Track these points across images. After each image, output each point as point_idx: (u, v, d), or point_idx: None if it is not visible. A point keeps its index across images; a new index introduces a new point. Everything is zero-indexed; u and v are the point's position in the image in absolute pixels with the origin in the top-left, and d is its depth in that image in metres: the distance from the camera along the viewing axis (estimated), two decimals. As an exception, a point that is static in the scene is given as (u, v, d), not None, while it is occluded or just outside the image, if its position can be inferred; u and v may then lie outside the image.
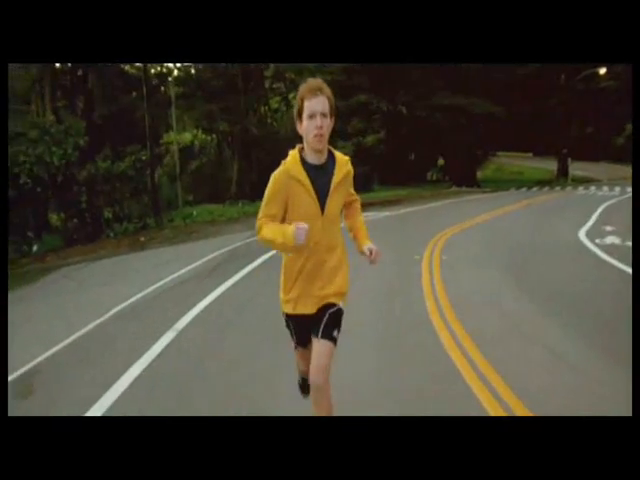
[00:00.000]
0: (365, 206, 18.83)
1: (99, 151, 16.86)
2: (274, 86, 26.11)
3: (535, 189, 27.21)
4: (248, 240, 11.44)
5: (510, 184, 30.49)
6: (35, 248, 13.58)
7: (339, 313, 2.48)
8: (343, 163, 2.45)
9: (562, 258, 8.62)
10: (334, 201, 2.41)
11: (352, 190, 2.63)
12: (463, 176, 31.25)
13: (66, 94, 24.46)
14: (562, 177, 33.69)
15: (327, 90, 2.34)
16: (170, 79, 23.52)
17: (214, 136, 25.50)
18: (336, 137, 27.07)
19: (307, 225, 2.26)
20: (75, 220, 15.63)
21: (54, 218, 16.20)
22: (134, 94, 22.54)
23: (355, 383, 3.76)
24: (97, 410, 3.56)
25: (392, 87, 28.83)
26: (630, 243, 9.58)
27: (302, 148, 2.44)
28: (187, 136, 26.26)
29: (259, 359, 4.44)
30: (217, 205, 20.49)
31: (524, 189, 27.45)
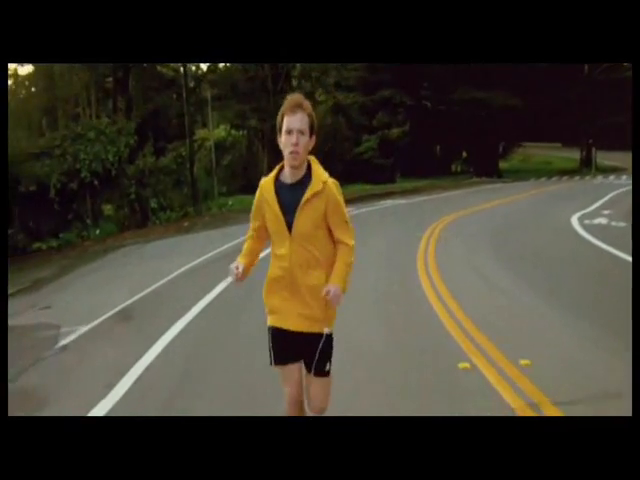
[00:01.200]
0: (385, 195, 20.41)
1: (141, 148, 18.78)
2: (301, 84, 27.64)
3: (555, 178, 28.07)
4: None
5: (533, 174, 31.26)
6: (98, 232, 15.58)
7: (328, 344, 2.40)
8: (319, 180, 2.34)
9: (544, 232, 10.07)
10: (303, 221, 2.31)
11: (344, 228, 2.38)
12: (485, 167, 32.23)
13: (107, 95, 26.56)
14: (586, 167, 34.25)
15: (308, 107, 2.34)
16: (200, 79, 25.28)
17: (245, 132, 27.28)
18: (361, 131, 28.48)
19: (241, 268, 2.35)
20: (125, 209, 17.61)
21: (107, 208, 18.21)
22: (175, 96, 24.41)
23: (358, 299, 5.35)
24: (182, 323, 5.28)
25: (415, 82, 29.99)
26: (615, 223, 10.84)
27: (283, 165, 2.40)
28: (220, 132, 28.14)
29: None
30: (249, 195, 22.22)
31: (544, 179, 28.32)
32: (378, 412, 3.06)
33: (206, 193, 21.68)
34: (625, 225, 10.48)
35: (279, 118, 2.34)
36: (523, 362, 3.76)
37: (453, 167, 38.33)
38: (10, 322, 6.38)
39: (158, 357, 4.41)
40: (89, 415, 3.32)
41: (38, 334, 5.66)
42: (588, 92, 34.24)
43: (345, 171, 26.24)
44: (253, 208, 2.45)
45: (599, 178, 26.62)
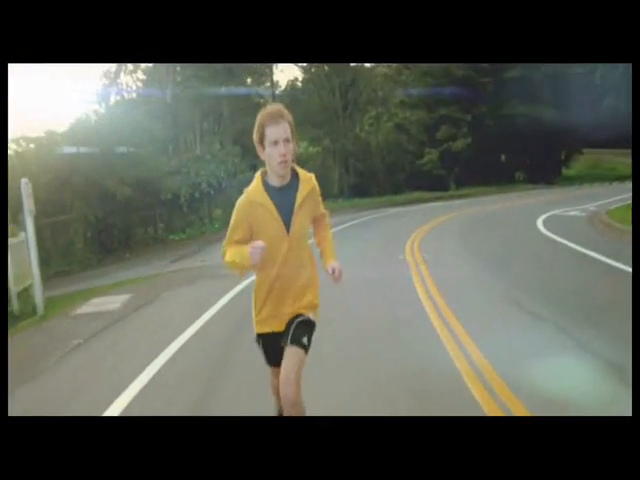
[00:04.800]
0: (432, 199, 26.06)
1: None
2: (368, 109, 32.89)
3: (597, 184, 30.81)
4: (344, 225, 18.38)
5: (591, 181, 33.15)
6: (217, 226, 21.73)
7: (309, 322, 2.52)
8: (306, 180, 2.48)
9: (513, 222, 14.37)
10: (299, 220, 2.44)
11: (321, 206, 2.62)
12: (546, 174, 35.03)
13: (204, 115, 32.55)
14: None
15: (287, 115, 2.37)
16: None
17: (319, 149, 32.98)
18: (422, 145, 32.72)
19: (262, 244, 2.34)
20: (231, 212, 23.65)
21: (217, 212, 24.39)
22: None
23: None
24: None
25: (471, 100, 33.88)
26: (580, 214, 14.87)
27: (265, 172, 2.49)
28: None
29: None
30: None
31: (587, 184, 31.10)
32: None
33: (288, 200, 27.32)
34: (585, 215, 14.55)
35: (258, 129, 2.37)
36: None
37: (517, 175, 41.17)
38: (188, 265, 12.07)
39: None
40: (93, 415, 3.57)
41: (209, 266, 11.21)
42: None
43: (406, 181, 30.81)
44: (234, 223, 2.50)
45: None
